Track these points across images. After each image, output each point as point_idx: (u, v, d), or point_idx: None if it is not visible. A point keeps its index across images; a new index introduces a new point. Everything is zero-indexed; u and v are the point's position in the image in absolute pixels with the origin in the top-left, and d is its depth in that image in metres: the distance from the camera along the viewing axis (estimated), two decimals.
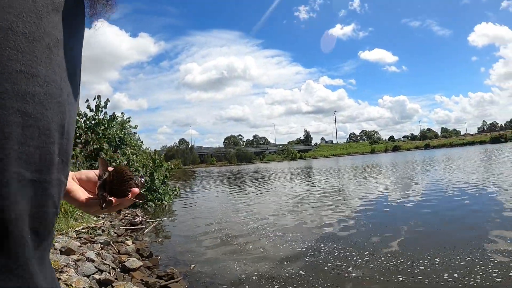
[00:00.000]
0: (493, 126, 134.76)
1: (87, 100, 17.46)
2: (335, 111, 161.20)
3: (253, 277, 6.02)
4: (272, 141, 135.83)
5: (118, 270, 6.21)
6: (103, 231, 9.07)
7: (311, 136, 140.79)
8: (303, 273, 6.04)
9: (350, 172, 33.51)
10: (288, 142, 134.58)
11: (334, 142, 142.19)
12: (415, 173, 26.46)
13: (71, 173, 0.98)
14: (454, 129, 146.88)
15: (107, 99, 18.06)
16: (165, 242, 9.33)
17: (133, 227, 10.66)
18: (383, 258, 6.41)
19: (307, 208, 12.56)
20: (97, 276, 5.44)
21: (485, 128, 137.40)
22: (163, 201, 16.97)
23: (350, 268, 6.07)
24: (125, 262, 6.46)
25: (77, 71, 0.76)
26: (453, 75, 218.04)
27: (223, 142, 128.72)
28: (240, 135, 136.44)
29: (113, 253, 7.24)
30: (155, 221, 11.94)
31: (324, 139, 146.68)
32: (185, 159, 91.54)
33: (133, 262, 6.42)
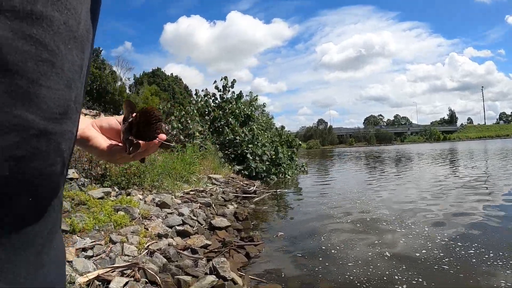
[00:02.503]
0: None
1: (215, 82, 19.09)
2: (482, 87, 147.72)
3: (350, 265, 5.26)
4: (414, 121, 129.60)
5: (204, 226, 6.44)
6: (211, 195, 9.42)
7: (456, 116, 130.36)
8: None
9: (502, 158, 28.99)
10: (431, 123, 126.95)
11: (481, 123, 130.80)
12: None
13: (90, 120, 0.94)
14: None
15: (234, 79, 19.40)
16: (268, 211, 9.38)
17: (245, 195, 10.92)
18: None
19: (451, 198, 10.27)
20: (178, 228, 5.69)
21: None
22: (286, 175, 17.20)
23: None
24: (212, 220, 6.65)
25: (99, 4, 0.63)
26: None
27: (363, 123, 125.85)
28: (380, 115, 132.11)
29: (210, 213, 7.52)
30: (269, 192, 12.09)
31: (471, 120, 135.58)
32: (323, 139, 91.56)
33: (221, 222, 6.67)
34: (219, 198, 9.52)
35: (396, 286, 4.28)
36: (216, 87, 18.96)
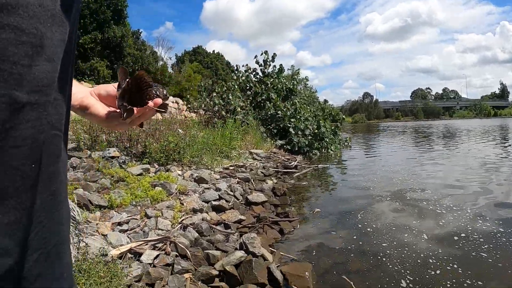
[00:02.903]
0: None
1: (255, 56, 18.78)
2: None
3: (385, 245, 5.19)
4: (463, 95, 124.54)
5: (241, 202, 6.46)
6: (251, 169, 9.44)
7: (508, 90, 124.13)
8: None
9: None
10: (482, 97, 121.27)
11: None
12: None
13: (89, 89, 0.98)
14: None
15: (274, 53, 19.04)
16: (307, 186, 9.28)
17: (286, 170, 10.87)
18: None
19: (501, 179, 9.55)
20: (214, 203, 5.73)
21: None
22: (329, 150, 17.02)
23: None
24: (249, 195, 6.66)
25: None
26: None
27: (410, 96, 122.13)
28: (428, 88, 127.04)
29: (248, 188, 7.55)
30: (310, 167, 12.01)
31: None
32: (369, 113, 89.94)
33: (257, 197, 6.65)
34: (258, 173, 9.51)
35: (429, 270, 4.14)
36: (257, 62, 18.70)
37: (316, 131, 16.41)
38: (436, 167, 12.26)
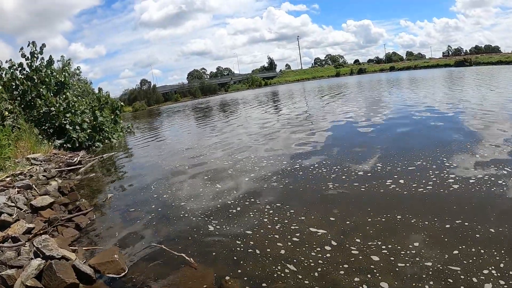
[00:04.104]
0: (458, 51, 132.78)
1: (21, 48, 16.56)
2: (298, 37, 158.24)
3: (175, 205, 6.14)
4: (236, 71, 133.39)
5: (26, 211, 6.10)
6: (31, 176, 8.84)
7: (275, 63, 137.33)
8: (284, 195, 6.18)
9: (316, 94, 33.55)
10: (252, 71, 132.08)
11: (299, 68, 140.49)
12: (382, 90, 28.08)
13: None
14: (419, 53, 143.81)
15: (43, 44, 17.07)
16: (96, 177, 9.36)
17: (70, 168, 10.47)
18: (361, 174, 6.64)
19: (278, 134, 12.00)
20: None
21: (450, 52, 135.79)
22: (112, 139, 16.84)
23: (330, 185, 6.20)
24: (32, 201, 6.32)
25: None
26: (419, 0, 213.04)
27: (187, 78, 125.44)
28: (203, 68, 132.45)
29: (32, 195, 7.11)
30: (95, 159, 11.77)
31: (289, 65, 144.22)
32: (148, 100, 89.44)
33: (43, 201, 6.37)
34: (40, 177, 8.94)
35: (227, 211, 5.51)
36: (23, 55, 16.36)
37: (94, 122, 15.93)
38: (220, 135, 13.88)
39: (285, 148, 9.60)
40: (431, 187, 5.51)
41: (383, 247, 4.01)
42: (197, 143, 12.54)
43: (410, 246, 3.95)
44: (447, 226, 4.31)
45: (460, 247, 3.81)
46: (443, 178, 5.85)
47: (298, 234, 4.54)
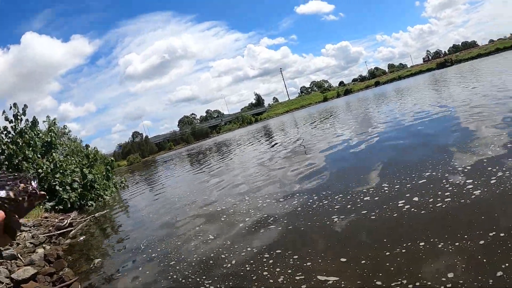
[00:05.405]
0: (437, 54, 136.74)
1: (3, 112, 15.95)
2: (281, 69, 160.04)
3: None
4: (225, 112, 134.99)
5: (7, 284, 5.50)
6: (17, 244, 8.21)
7: (263, 98, 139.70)
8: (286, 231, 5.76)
9: (307, 121, 33.61)
10: (241, 109, 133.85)
11: (286, 99, 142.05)
12: (370, 107, 28.08)
13: None
14: (400, 63, 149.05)
15: (25, 105, 16.34)
16: (86, 240, 8.85)
17: (60, 232, 9.83)
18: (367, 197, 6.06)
19: (272, 170, 11.38)
20: None
21: (430, 57, 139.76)
22: (105, 196, 16.28)
23: (336, 219, 5.52)
24: (12, 274, 5.71)
25: None
26: (390, 13, 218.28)
27: (178, 125, 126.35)
28: (193, 113, 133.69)
29: (17, 266, 6.49)
30: (87, 219, 11.20)
31: (276, 99, 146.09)
32: (142, 151, 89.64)
33: (25, 273, 5.75)
34: (27, 245, 8.29)
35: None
36: (6, 118, 15.63)
37: (84, 181, 15.33)
38: (217, 178, 13.23)
39: (281, 183, 8.99)
40: (450, 199, 4.86)
41: (410, 286, 3.35)
42: (190, 190, 12.08)
43: (444, 279, 3.26)
44: (481, 242, 3.65)
45: (503, 266, 3.17)
46: (460, 185, 5.22)
47: (304, 287, 3.86)
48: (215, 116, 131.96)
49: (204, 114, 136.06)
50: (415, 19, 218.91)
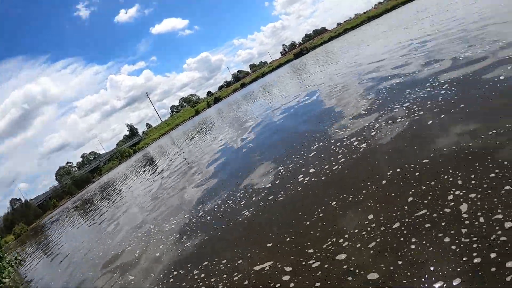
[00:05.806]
0: (293, 46, 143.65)
1: None
2: (147, 93, 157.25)
3: None
4: (102, 151, 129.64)
5: None
6: None
7: (136, 127, 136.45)
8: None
9: (185, 139, 33.57)
10: (117, 144, 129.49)
11: (159, 122, 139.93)
12: (241, 108, 30.09)
13: None
14: (261, 62, 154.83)
15: None
16: None
17: None
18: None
19: (166, 195, 11.72)
20: None
21: (287, 50, 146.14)
22: (3, 280, 15.10)
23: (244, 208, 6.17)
24: None
25: None
26: (243, 18, 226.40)
27: (56, 179, 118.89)
28: (68, 162, 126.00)
29: None
30: None
31: (149, 125, 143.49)
32: (27, 218, 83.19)
33: None
34: None
35: None
36: None
37: None
38: (107, 222, 13.40)
39: (180, 204, 9.41)
40: (343, 159, 5.76)
41: (341, 240, 3.80)
42: (92, 241, 11.84)
43: (366, 222, 3.80)
44: (384, 182, 4.42)
45: (410, 192, 3.91)
46: (347, 145, 6.26)
47: (246, 283, 4.06)
48: (92, 158, 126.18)
49: (81, 160, 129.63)
50: (267, 19, 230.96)
